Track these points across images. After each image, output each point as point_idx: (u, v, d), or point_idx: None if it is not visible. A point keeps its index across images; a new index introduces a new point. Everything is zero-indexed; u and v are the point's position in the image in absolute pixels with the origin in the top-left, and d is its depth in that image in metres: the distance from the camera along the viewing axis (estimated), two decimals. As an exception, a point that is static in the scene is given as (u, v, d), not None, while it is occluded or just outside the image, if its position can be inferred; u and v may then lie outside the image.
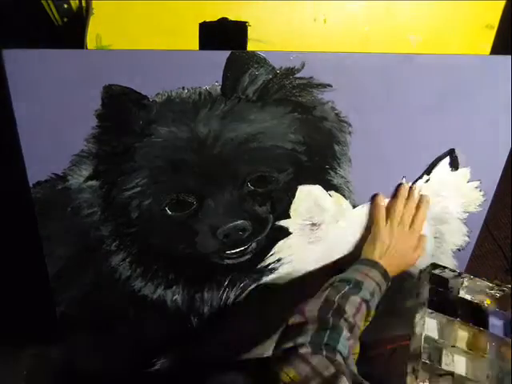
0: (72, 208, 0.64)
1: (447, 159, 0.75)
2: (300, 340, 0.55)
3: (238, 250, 0.72)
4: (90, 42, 0.64)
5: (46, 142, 0.58)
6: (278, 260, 0.76)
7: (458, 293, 0.73)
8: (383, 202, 0.73)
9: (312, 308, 0.60)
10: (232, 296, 0.78)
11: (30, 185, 0.61)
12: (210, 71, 0.59)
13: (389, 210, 0.73)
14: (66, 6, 0.64)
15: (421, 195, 0.74)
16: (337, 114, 0.66)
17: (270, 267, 0.77)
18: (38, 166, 0.60)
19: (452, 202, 0.80)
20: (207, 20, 0.66)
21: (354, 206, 0.75)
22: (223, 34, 0.68)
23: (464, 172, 0.77)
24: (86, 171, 0.62)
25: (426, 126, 0.71)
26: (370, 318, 0.64)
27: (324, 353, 0.53)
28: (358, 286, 0.63)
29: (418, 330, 0.69)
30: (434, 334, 0.69)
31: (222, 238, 0.69)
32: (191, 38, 0.67)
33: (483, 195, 0.81)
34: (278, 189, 0.69)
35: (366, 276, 0.66)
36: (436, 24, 0.74)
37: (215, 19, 0.67)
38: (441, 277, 0.75)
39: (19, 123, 0.57)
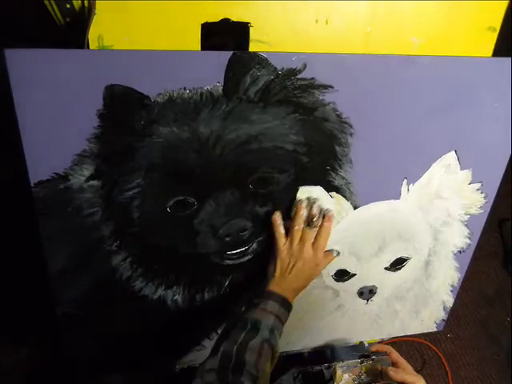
0: (73, 208, 0.64)
1: (448, 161, 0.75)
2: None
3: (238, 250, 0.72)
4: (92, 42, 0.64)
5: (47, 141, 0.58)
6: (279, 261, 0.76)
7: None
8: (280, 219, 0.69)
9: (210, 367, 0.57)
10: (232, 297, 0.78)
11: (32, 184, 0.61)
12: (212, 72, 0.59)
13: (289, 228, 0.69)
14: (68, 6, 0.64)
15: (324, 210, 0.70)
16: (338, 115, 0.66)
17: (270, 268, 0.76)
18: (39, 165, 0.60)
19: (453, 203, 0.80)
20: (209, 20, 0.67)
21: (355, 208, 0.75)
22: (225, 35, 0.68)
23: (465, 174, 0.77)
24: (87, 171, 0.62)
25: (427, 127, 0.71)
26: (276, 354, 0.62)
27: None
28: (255, 327, 0.61)
29: None
30: None
31: (222, 239, 0.69)
32: (193, 38, 0.67)
33: (484, 197, 0.81)
34: (279, 190, 0.69)
35: (264, 311, 0.64)
36: (438, 26, 0.74)
37: (217, 20, 0.67)
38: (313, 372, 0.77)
39: (21, 122, 0.57)
